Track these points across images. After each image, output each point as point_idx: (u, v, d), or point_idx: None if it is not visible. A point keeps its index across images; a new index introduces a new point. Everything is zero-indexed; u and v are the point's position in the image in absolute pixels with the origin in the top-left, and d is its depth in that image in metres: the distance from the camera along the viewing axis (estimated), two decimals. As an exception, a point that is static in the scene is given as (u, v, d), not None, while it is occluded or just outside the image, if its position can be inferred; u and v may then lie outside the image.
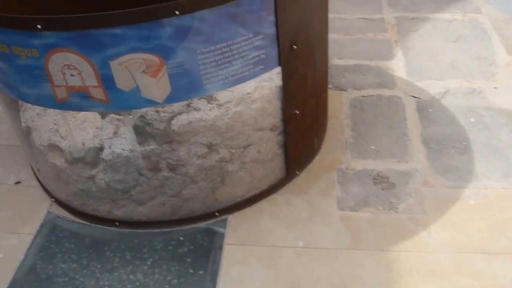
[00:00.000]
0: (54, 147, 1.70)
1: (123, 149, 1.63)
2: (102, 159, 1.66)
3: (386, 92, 2.39)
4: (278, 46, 1.54)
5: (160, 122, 1.56)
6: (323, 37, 1.81)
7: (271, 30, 1.49)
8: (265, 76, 1.58)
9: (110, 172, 1.67)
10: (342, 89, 2.41)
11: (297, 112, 1.75)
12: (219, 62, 1.43)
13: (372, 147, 2.10)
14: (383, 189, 1.94)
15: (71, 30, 1.28)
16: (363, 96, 2.37)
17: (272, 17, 1.47)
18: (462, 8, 2.99)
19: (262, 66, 1.53)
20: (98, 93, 1.41)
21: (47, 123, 1.71)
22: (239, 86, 1.54)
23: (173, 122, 1.57)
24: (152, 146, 1.60)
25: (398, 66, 2.54)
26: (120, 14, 1.26)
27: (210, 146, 1.65)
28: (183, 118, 1.57)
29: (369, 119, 2.24)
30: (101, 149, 1.66)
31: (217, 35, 1.38)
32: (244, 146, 1.70)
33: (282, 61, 1.58)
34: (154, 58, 1.36)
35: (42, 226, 1.81)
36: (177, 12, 1.28)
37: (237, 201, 1.83)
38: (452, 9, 2.98)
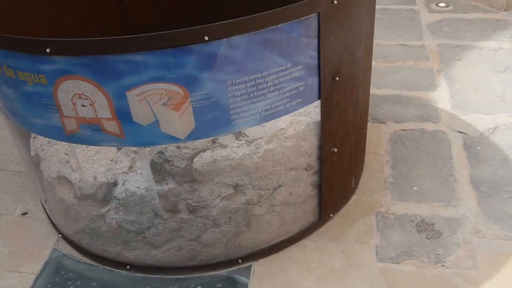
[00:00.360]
0: (63, 179, 1.52)
1: (138, 187, 1.43)
2: (115, 196, 1.46)
3: (429, 126, 2.15)
4: (319, 77, 1.33)
5: (181, 160, 1.36)
6: (368, 67, 1.59)
7: (312, 59, 1.29)
8: (302, 110, 1.38)
9: (123, 211, 1.47)
10: (381, 122, 2.18)
11: (335, 150, 1.54)
12: (252, 95, 1.23)
13: (415, 188, 1.86)
14: (428, 238, 1.69)
15: (83, 55, 1.10)
16: (403, 130, 2.13)
17: (314, 44, 1.27)
18: (509, 35, 2.74)
19: (300, 100, 1.33)
20: (111, 126, 1.22)
21: (58, 152, 1.53)
22: (272, 121, 1.34)
23: (195, 160, 1.37)
24: (170, 185, 1.40)
25: (441, 98, 2.31)
26: (140, 39, 1.07)
27: (236, 187, 1.44)
28: (207, 156, 1.36)
29: (411, 156, 2.00)
30: (114, 184, 1.46)
31: (251, 65, 1.19)
32: (274, 187, 1.49)
33: (322, 94, 1.37)
34: (177, 89, 1.16)
35: (46, 264, 1.62)
36: (206, 38, 1.09)
37: (263, 247, 1.61)
38: (498, 37, 2.74)
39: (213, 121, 1.23)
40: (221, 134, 1.30)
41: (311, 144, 1.48)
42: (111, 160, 1.49)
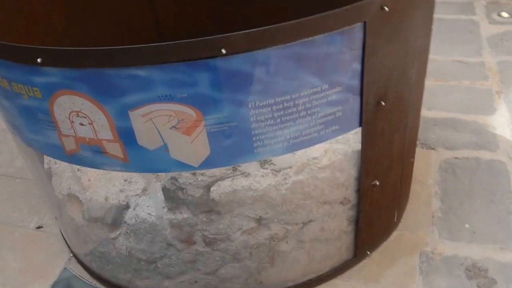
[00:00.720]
0: (73, 198, 1.32)
1: (149, 214, 1.21)
2: (125, 222, 1.25)
3: (485, 155, 1.81)
4: (361, 101, 1.06)
5: (196, 188, 1.13)
6: (420, 89, 1.30)
7: (354, 79, 1.02)
8: (339, 137, 1.11)
9: (133, 238, 1.26)
10: (431, 148, 1.86)
11: (377, 183, 1.26)
12: (278, 120, 0.98)
13: (467, 226, 1.54)
14: (479, 286, 1.38)
15: (79, 68, 0.89)
16: (456, 158, 1.81)
17: (357, 63, 1.00)
18: None
19: (337, 127, 1.06)
20: (114, 149, 1.00)
21: (71, 167, 1.34)
22: (303, 149, 1.08)
23: (213, 189, 1.13)
24: (184, 215, 1.18)
25: (501, 123, 1.95)
26: (144, 50, 0.85)
27: (259, 221, 1.19)
28: (227, 185, 1.13)
29: (464, 189, 1.67)
30: (126, 207, 1.25)
31: (279, 85, 0.93)
32: (304, 222, 1.23)
33: (364, 121, 1.10)
34: (188, 111, 0.93)
35: (54, 285, 1.44)
36: (223, 51, 0.85)
37: (288, 286, 1.35)
38: None
39: (232, 148, 0.99)
40: (241, 163, 1.06)
41: (348, 175, 1.21)
42: (125, 180, 1.28)
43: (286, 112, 0.98)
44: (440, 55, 2.43)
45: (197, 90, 0.90)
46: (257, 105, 0.94)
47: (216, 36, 0.84)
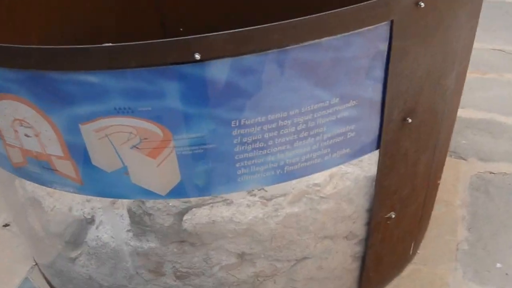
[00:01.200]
0: (36, 203, 1.19)
1: (112, 237, 1.08)
2: (86, 242, 1.13)
3: (528, 171, 1.67)
4: (381, 118, 0.91)
5: (166, 215, 0.99)
6: (457, 100, 1.14)
7: (373, 91, 0.86)
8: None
9: (95, 261, 1.13)
10: (461, 157, 1.71)
11: (393, 215, 1.12)
12: (271, 143, 0.84)
13: (499, 265, 1.40)
14: None
15: (19, 69, 0.74)
16: (491, 173, 1.66)
17: (379, 70, 0.84)
18: None
19: (347, 150, 0.92)
20: (65, 167, 0.86)
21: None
22: (302, 175, 0.94)
23: (186, 218, 0.99)
24: (152, 243, 1.04)
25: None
26: (96, 51, 0.69)
27: (241, 256, 1.06)
28: (203, 215, 0.99)
29: (498, 214, 1.53)
30: (90, 221, 1.12)
31: (272, 99, 0.79)
32: (297, 259, 1.10)
33: (383, 142, 0.95)
34: (153, 129, 0.78)
35: (9, 299, 1.33)
36: (197, 56, 0.70)
37: (277, 328, 1.24)
38: None
39: (208, 175, 0.85)
40: (221, 193, 0.92)
41: (357, 207, 1.06)
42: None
43: (281, 133, 0.83)
44: (479, 43, 2.22)
45: (164, 103, 0.76)
46: (242, 123, 0.80)
47: (188, 37, 0.68)
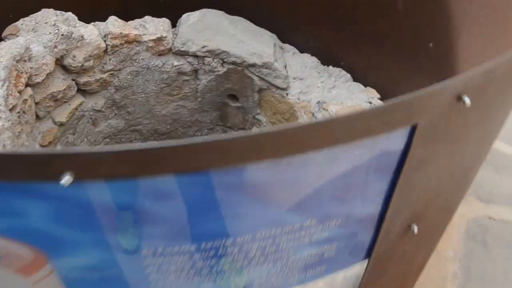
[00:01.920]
0: None
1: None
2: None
3: (535, 221, 1.39)
4: (376, 232, 0.61)
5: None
6: (466, 186, 0.82)
7: (369, 207, 0.55)
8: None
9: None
10: (460, 199, 1.42)
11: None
12: (205, 271, 0.54)
13: None
14: None
15: None
16: (490, 218, 1.37)
17: (382, 184, 0.52)
18: None
19: (323, 268, 0.62)
20: None
21: None
22: None
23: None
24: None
25: None
26: None
27: None
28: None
29: (494, 274, 1.26)
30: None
31: (202, 226, 0.47)
32: None
33: (375, 252, 0.65)
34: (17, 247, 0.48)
35: None
36: (63, 181, 0.38)
37: None
38: None
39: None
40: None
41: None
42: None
43: (222, 261, 0.53)
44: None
45: (25, 222, 0.44)
46: (153, 251, 0.49)
47: (57, 152, 0.36)
